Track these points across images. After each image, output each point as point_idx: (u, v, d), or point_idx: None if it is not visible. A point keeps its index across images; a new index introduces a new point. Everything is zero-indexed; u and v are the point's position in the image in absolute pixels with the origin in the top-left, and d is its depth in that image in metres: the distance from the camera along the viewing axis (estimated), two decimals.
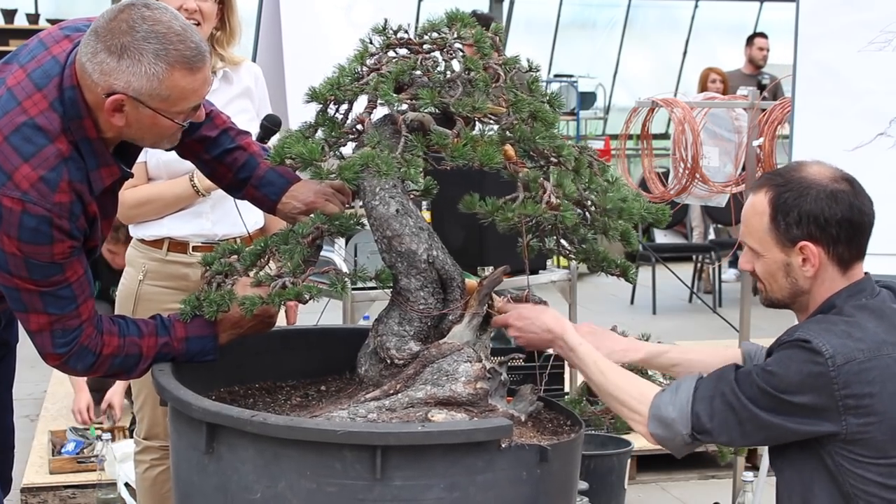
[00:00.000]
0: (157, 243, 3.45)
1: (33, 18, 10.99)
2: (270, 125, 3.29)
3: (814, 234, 2.33)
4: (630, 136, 5.39)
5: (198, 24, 3.25)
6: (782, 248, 2.36)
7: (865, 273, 2.41)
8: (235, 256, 2.60)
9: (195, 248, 3.44)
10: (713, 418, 2.30)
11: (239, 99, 3.46)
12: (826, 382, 2.22)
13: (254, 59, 4.84)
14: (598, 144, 11.24)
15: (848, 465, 2.27)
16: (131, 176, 2.57)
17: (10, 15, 10.84)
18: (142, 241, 3.47)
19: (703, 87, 9.74)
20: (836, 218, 2.32)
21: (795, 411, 2.25)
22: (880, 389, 2.23)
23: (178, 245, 3.45)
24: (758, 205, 2.39)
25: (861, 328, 2.28)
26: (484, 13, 6.84)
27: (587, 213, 2.54)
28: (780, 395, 2.24)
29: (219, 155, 2.77)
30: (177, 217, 3.45)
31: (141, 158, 3.17)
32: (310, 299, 2.42)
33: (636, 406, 2.37)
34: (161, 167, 3.37)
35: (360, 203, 2.57)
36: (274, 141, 3.39)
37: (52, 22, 9.69)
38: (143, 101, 2.30)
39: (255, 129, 3.28)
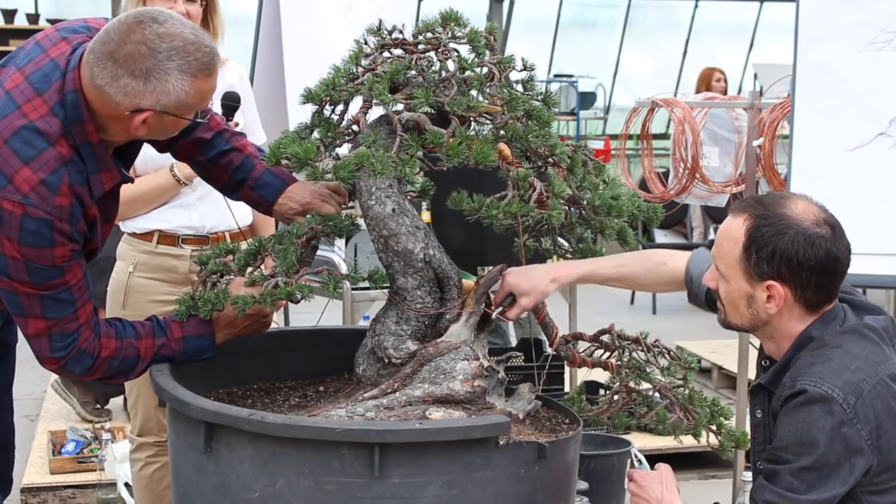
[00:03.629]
0: (146, 236, 3.50)
1: (33, 18, 10.99)
2: (230, 102, 3.36)
3: (783, 275, 2.28)
4: (630, 136, 5.38)
5: None
6: (748, 280, 2.32)
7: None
8: (231, 256, 2.60)
9: (184, 241, 3.50)
10: None
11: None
12: (849, 427, 2.19)
13: (254, 60, 4.86)
14: (598, 144, 11.24)
15: (876, 497, 2.25)
16: (131, 180, 2.58)
17: (10, 15, 10.84)
18: (132, 234, 3.51)
19: (705, 87, 9.70)
20: (809, 263, 2.27)
21: (833, 470, 2.20)
22: (885, 412, 2.23)
23: (168, 237, 3.49)
24: (733, 230, 2.33)
25: (852, 355, 2.26)
26: None
27: (583, 212, 2.54)
28: (810, 459, 2.19)
29: (214, 157, 2.77)
30: (165, 210, 3.50)
31: None
32: (301, 299, 2.43)
33: None
34: (148, 162, 3.39)
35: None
36: (238, 117, 3.46)
37: (52, 22, 9.68)
38: (168, 112, 2.33)
39: (239, 127, 3.31)
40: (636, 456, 2.66)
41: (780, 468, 2.23)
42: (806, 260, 2.26)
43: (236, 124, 3.41)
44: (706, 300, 2.58)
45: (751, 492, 2.31)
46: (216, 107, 3.31)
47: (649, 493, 2.46)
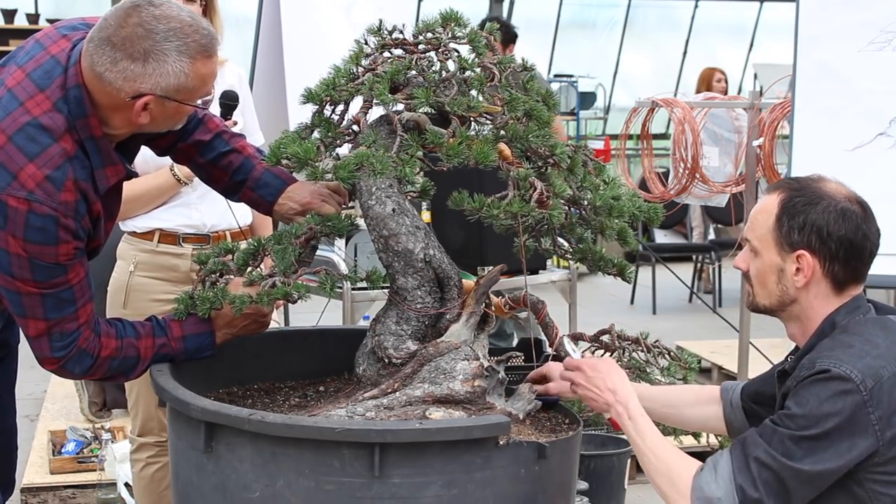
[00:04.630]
0: (147, 235, 3.50)
1: (33, 18, 11.00)
2: (228, 101, 3.36)
3: (813, 245, 2.32)
4: (630, 136, 5.40)
5: None
6: (779, 251, 2.35)
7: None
8: (230, 255, 2.61)
9: (185, 239, 3.51)
10: (757, 485, 2.22)
11: None
12: (860, 407, 2.19)
13: (254, 60, 4.86)
14: (598, 144, 11.26)
15: (882, 488, 2.25)
16: (136, 175, 2.58)
17: (10, 15, 10.84)
18: (132, 233, 3.51)
19: (706, 87, 9.72)
20: (839, 234, 2.31)
21: (832, 444, 2.20)
22: None
23: (168, 236, 3.50)
24: (767, 204, 2.39)
25: (873, 343, 2.27)
26: (498, 17, 7.00)
27: (583, 213, 2.54)
28: (818, 436, 2.19)
29: (214, 158, 2.77)
30: (166, 209, 3.50)
31: None
32: (298, 299, 2.43)
33: (681, 484, 2.29)
34: (149, 162, 3.39)
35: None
36: (237, 116, 3.45)
37: (52, 22, 9.66)
38: (169, 97, 2.33)
39: (238, 127, 3.30)
40: (569, 344, 2.59)
41: (781, 431, 2.23)
42: (836, 231, 2.31)
43: (234, 123, 3.41)
44: (741, 398, 2.61)
45: (741, 438, 2.30)
46: (215, 105, 3.31)
47: (599, 383, 2.44)
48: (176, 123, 2.48)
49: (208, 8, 3.55)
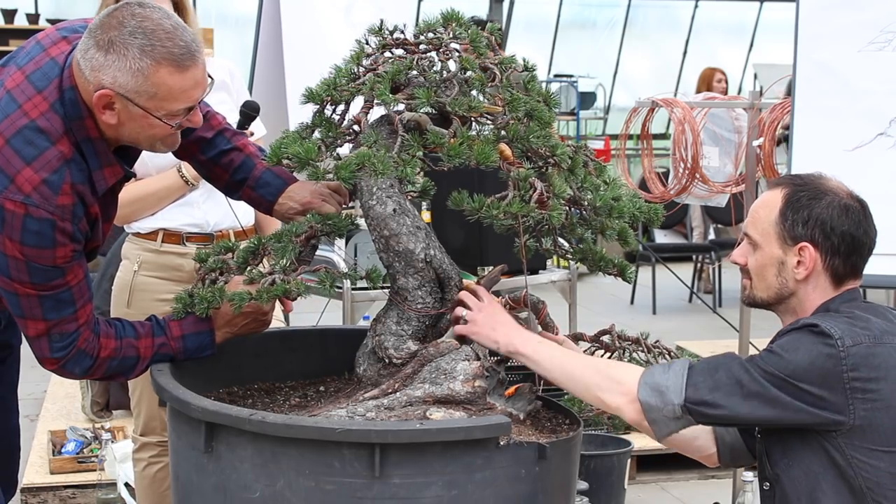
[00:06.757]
0: (151, 235, 3.51)
1: (33, 18, 11.00)
2: (249, 111, 3.36)
3: (816, 239, 2.37)
4: (630, 136, 5.39)
5: None
6: (781, 245, 2.40)
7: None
8: (230, 254, 2.61)
9: (188, 239, 3.51)
10: (714, 390, 2.28)
11: (214, 92, 3.47)
12: (835, 364, 2.25)
13: (254, 59, 4.87)
14: (598, 144, 11.25)
15: (861, 456, 2.28)
16: (134, 176, 2.57)
17: (10, 15, 10.85)
18: (136, 234, 3.51)
19: (706, 87, 9.72)
20: (841, 229, 2.36)
21: (803, 397, 2.26)
22: (885, 374, 2.27)
23: (172, 236, 3.50)
24: (770, 199, 2.43)
25: (862, 319, 2.33)
26: (480, 18, 6.98)
27: (583, 213, 2.54)
28: (788, 378, 2.26)
29: (215, 156, 2.77)
30: (170, 208, 3.51)
31: None
32: (298, 296, 2.43)
33: (622, 377, 2.34)
34: (147, 163, 3.39)
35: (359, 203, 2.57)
36: (254, 127, 3.45)
37: (52, 22, 9.69)
38: (130, 99, 2.29)
39: (254, 137, 3.30)
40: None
41: (758, 360, 2.30)
42: (839, 226, 2.37)
43: (251, 133, 3.40)
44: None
45: (719, 356, 2.37)
46: (234, 114, 3.30)
47: (487, 320, 2.45)
48: (151, 139, 2.40)
49: (179, 7, 3.50)
